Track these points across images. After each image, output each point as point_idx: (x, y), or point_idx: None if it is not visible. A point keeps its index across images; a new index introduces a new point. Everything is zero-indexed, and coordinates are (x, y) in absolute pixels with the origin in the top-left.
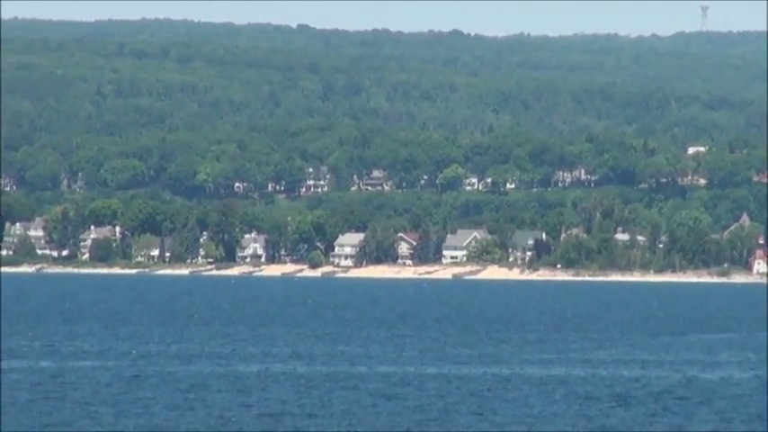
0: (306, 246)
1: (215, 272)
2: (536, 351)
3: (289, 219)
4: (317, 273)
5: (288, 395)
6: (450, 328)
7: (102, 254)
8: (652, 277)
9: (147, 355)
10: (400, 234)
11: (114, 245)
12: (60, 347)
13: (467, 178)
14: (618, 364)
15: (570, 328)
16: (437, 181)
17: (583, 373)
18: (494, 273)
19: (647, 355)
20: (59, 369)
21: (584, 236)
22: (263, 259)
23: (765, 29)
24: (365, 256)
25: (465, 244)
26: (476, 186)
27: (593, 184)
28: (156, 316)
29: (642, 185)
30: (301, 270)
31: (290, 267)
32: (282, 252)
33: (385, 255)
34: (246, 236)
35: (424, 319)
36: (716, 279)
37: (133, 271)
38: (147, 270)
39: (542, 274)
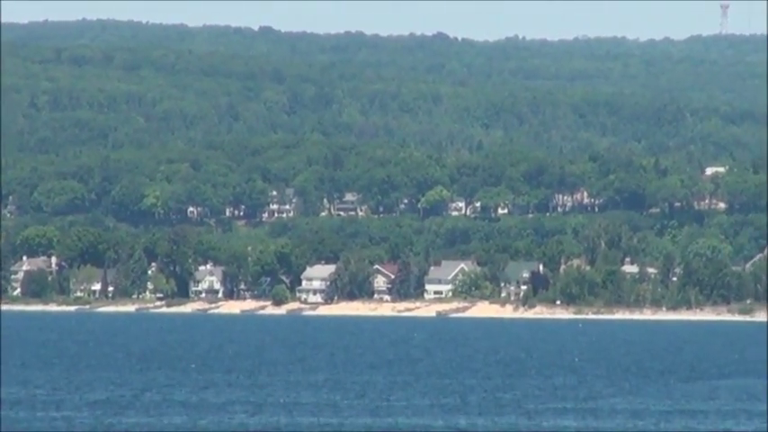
0: (269, 279)
1: (165, 309)
2: (542, 399)
3: (249, 248)
4: (282, 310)
5: None
6: (442, 372)
7: (36, 288)
8: (664, 315)
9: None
10: (376, 266)
11: (50, 278)
12: None
13: (453, 202)
14: (628, 415)
15: (573, 373)
16: (419, 205)
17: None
18: (484, 310)
19: (659, 405)
20: None
21: (587, 268)
22: (219, 294)
23: None
24: (336, 290)
25: (451, 277)
26: (463, 211)
27: (596, 209)
28: (93, 359)
29: (653, 210)
30: (264, 307)
31: (250, 304)
32: (242, 286)
33: (359, 289)
34: (201, 268)
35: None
36: (737, 317)
37: (72, 308)
38: (87, 307)
39: (539, 312)
